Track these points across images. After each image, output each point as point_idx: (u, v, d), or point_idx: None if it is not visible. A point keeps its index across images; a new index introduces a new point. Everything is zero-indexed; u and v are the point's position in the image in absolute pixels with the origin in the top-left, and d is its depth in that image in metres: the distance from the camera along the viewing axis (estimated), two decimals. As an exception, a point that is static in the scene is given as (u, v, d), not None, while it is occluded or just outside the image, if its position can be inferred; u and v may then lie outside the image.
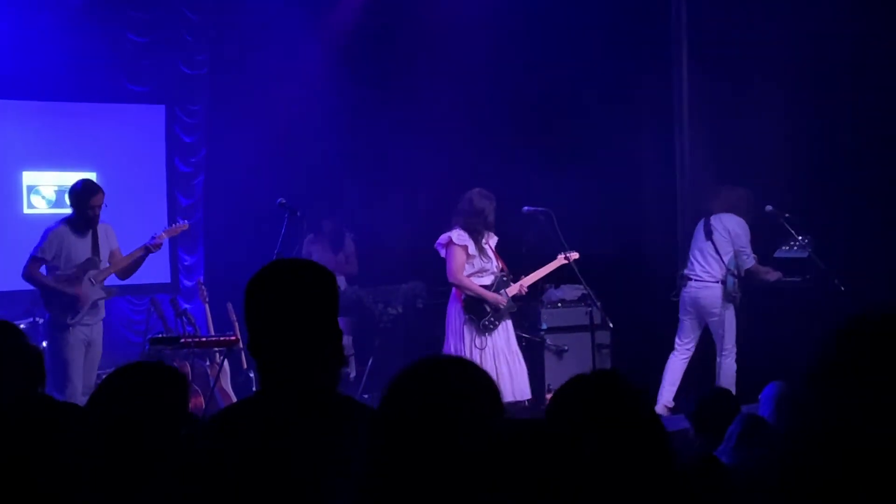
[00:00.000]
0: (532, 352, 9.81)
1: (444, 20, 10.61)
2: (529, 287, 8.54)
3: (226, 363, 8.77)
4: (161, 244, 8.37)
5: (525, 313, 10.09)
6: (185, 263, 11.41)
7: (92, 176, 10.11)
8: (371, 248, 11.09)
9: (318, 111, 10.98)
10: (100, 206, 7.94)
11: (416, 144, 10.83)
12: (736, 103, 9.56)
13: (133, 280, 8.68)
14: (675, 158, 9.79)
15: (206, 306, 9.54)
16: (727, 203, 8.90)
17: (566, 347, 9.61)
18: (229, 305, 9.44)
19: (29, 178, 10.61)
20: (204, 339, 8.28)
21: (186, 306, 10.28)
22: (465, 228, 8.21)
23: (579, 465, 1.81)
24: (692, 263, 8.92)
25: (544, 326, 9.77)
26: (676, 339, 8.99)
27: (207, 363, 9.09)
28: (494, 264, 8.31)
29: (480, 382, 2.21)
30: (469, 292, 8.16)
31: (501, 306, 8.18)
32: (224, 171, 11.22)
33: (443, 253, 8.30)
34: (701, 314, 8.85)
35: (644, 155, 10.36)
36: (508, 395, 7.99)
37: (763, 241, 8.93)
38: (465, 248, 8.16)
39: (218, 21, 11.09)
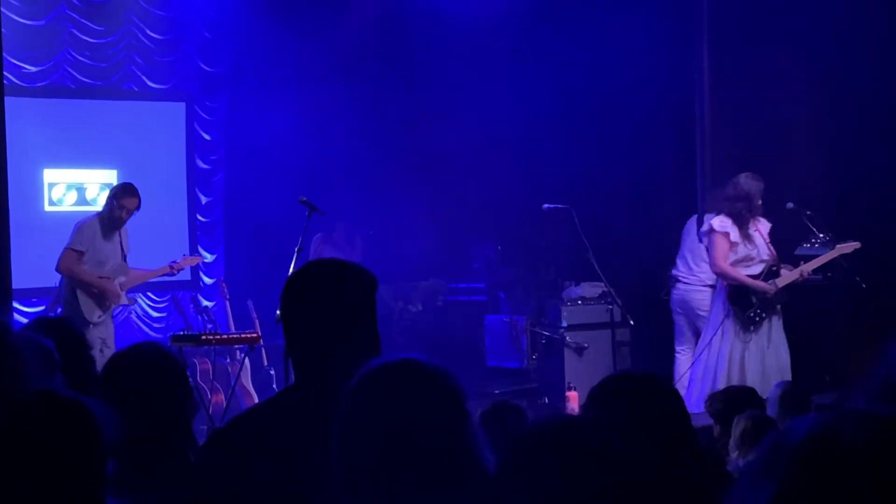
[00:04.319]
0: (551, 349, 9.81)
1: (458, 15, 10.60)
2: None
3: (247, 360, 8.78)
4: (182, 268, 8.63)
5: (545, 310, 10.09)
6: (206, 261, 11.42)
7: (113, 173, 10.19)
8: (391, 244, 11.10)
9: (338, 107, 10.98)
10: (130, 210, 8.05)
11: (436, 141, 10.83)
12: (758, 98, 9.52)
13: (154, 278, 8.75)
14: (697, 154, 9.76)
15: (227, 304, 9.57)
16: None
17: (586, 345, 9.57)
18: (250, 303, 9.46)
19: (50, 175, 10.65)
20: (225, 337, 8.29)
21: (207, 304, 10.33)
22: (729, 214, 7.82)
23: (613, 460, 1.81)
24: (680, 264, 8.82)
25: (564, 324, 9.74)
26: (676, 344, 8.90)
27: (228, 361, 9.11)
28: (764, 252, 7.89)
29: (428, 383, 2.17)
30: (732, 282, 7.75)
31: (769, 295, 7.77)
32: (244, 169, 11.24)
33: (705, 241, 8.05)
34: (689, 316, 8.78)
35: (665, 150, 10.33)
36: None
37: (784, 238, 8.89)
38: (727, 235, 7.77)
39: (237, 18, 11.10)
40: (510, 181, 10.81)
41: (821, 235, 8.35)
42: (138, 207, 8.10)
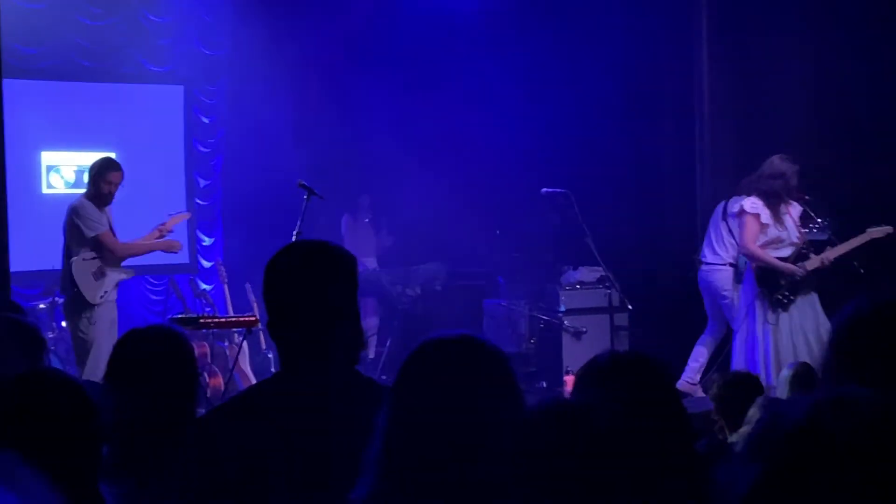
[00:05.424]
0: (550, 334, 9.82)
1: (464, 7, 10.61)
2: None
3: (245, 344, 8.78)
4: (170, 229, 8.40)
5: (543, 295, 10.10)
6: (204, 244, 11.42)
7: (111, 156, 10.15)
8: (389, 228, 11.11)
9: (337, 91, 10.97)
10: (117, 184, 7.90)
11: (435, 125, 10.82)
12: (757, 85, 9.51)
13: (152, 260, 8.68)
14: (696, 139, 9.76)
15: (225, 287, 9.56)
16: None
17: (584, 329, 9.58)
18: (248, 286, 9.46)
19: (48, 158, 10.64)
20: (223, 320, 8.28)
21: (205, 287, 10.32)
22: (761, 195, 7.81)
23: (601, 441, 1.82)
24: (704, 246, 8.84)
25: (562, 308, 9.75)
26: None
27: (226, 344, 9.12)
28: (794, 235, 7.87)
29: (487, 359, 2.22)
30: (761, 263, 7.74)
31: (797, 277, 7.73)
32: (242, 152, 11.23)
33: (736, 223, 8.08)
34: (713, 297, 8.78)
35: (663, 135, 10.33)
36: None
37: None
38: (757, 216, 7.76)
39: (237, 1, 11.08)
40: (509, 165, 10.80)
41: (819, 221, 8.34)
42: (122, 180, 7.98)
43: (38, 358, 3.62)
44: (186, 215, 8.93)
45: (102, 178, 7.87)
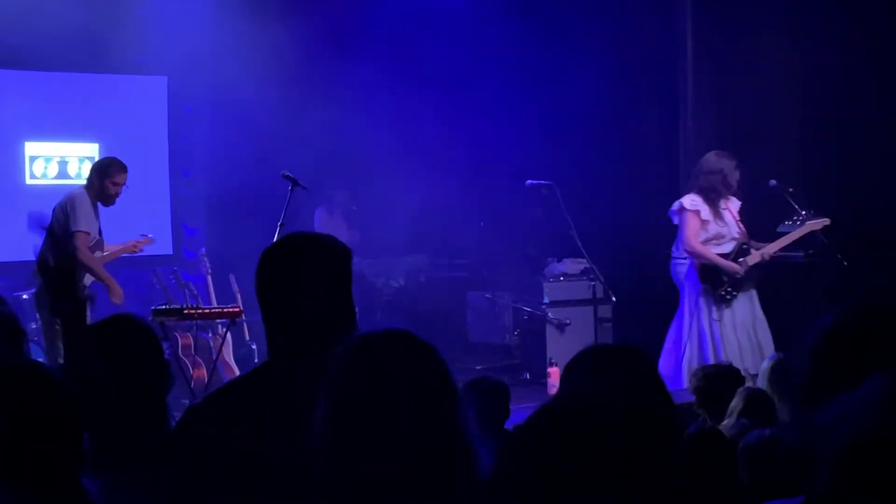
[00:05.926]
0: (534, 326, 9.83)
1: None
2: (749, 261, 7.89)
3: (228, 335, 8.76)
4: (140, 249, 8.40)
5: (527, 287, 10.11)
6: (188, 235, 11.39)
7: (94, 147, 10.13)
8: (372, 218, 11.08)
9: (321, 83, 10.93)
10: (122, 185, 7.83)
11: (420, 117, 10.80)
12: (741, 81, 9.53)
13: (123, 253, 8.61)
14: (679, 129, 9.78)
15: (209, 278, 9.54)
16: None
17: (568, 321, 9.61)
18: (232, 277, 9.44)
19: (31, 148, 10.58)
20: (207, 311, 8.24)
21: (189, 278, 10.29)
22: (699, 192, 7.88)
23: (591, 437, 1.82)
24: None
25: (546, 300, 9.77)
26: None
27: (210, 335, 9.10)
28: (734, 230, 7.96)
29: (417, 355, 2.19)
30: (704, 260, 7.82)
31: (739, 275, 7.81)
32: (226, 143, 11.17)
33: (675, 220, 8.07)
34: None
35: (647, 126, 10.34)
36: (753, 369, 7.17)
37: (766, 216, 8.92)
38: (697, 213, 7.83)
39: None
40: (494, 157, 10.81)
41: (803, 213, 8.38)
42: (125, 181, 7.90)
43: (18, 348, 3.59)
44: (150, 240, 8.70)
45: (109, 178, 7.77)
